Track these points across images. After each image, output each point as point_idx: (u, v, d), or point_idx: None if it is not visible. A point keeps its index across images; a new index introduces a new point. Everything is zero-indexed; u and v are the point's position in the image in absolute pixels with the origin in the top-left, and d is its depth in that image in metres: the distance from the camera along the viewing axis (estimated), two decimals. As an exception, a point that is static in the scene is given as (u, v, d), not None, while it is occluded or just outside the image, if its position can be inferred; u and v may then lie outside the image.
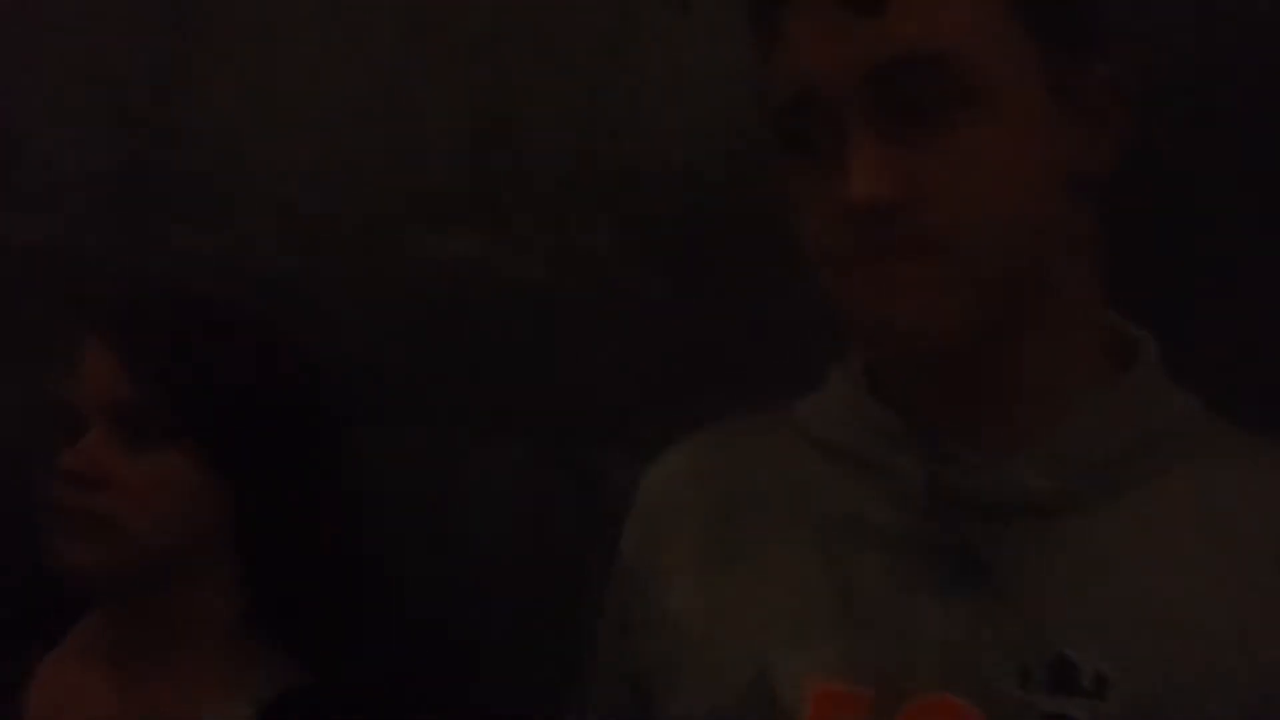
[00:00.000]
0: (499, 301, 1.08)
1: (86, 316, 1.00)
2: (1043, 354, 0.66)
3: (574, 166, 1.06)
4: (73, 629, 1.03)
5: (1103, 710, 0.59)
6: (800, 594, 0.67)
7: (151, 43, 1.27)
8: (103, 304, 1.02)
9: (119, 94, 1.28)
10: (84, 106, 1.30)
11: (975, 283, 0.61)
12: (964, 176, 0.60)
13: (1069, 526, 0.63)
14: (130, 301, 1.02)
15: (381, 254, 1.14)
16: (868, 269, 0.62)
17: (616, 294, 1.03)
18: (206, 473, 0.96)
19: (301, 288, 1.15)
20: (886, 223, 0.60)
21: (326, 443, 1.06)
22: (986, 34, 0.61)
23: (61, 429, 0.95)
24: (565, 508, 1.04)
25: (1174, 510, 0.63)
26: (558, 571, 1.02)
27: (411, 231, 1.12)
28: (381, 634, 1.04)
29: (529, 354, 1.06)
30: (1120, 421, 0.66)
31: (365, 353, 1.12)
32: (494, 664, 1.06)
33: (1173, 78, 0.83)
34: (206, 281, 1.18)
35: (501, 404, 1.08)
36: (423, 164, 1.12)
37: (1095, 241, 0.67)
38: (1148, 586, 0.62)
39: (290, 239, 1.17)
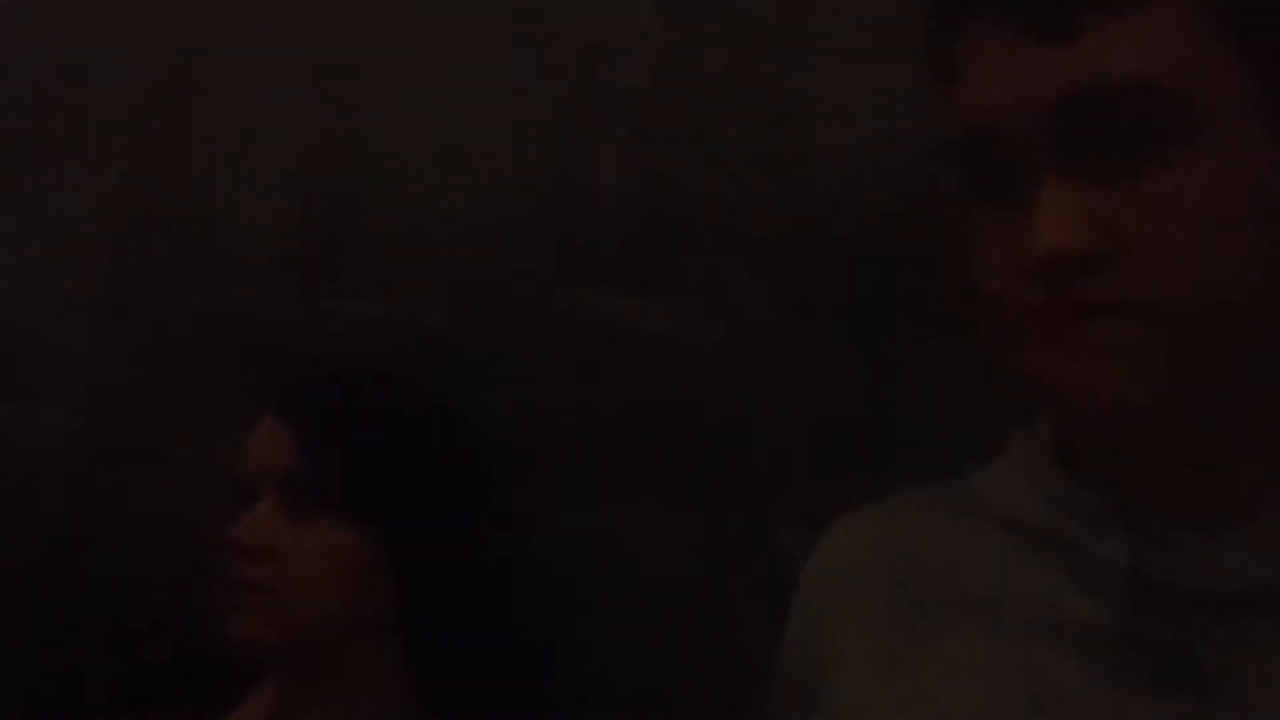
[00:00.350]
0: (664, 364, 1.05)
1: (260, 387, 1.01)
2: (1264, 420, 0.58)
3: (737, 223, 1.02)
4: (247, 694, 1.03)
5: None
6: (986, 691, 0.60)
7: (329, 114, 1.31)
8: (275, 375, 1.03)
9: (298, 161, 1.32)
10: (268, 175, 1.35)
11: (1184, 346, 0.54)
12: (1170, 223, 0.53)
13: None
14: (301, 373, 1.03)
15: (547, 315, 1.12)
16: (1059, 331, 0.55)
17: (784, 356, 0.98)
18: (370, 545, 0.96)
19: (469, 351, 1.15)
20: (1080, 277, 0.54)
21: (492, 516, 1.04)
22: (1195, 57, 0.54)
23: (232, 499, 0.96)
24: (733, 579, 0.99)
25: None
26: (726, 645, 0.97)
27: (580, 293, 1.11)
28: (546, 706, 1.01)
29: (696, 419, 1.03)
30: None
31: (533, 418, 1.11)
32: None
33: None
34: (378, 347, 1.19)
35: (667, 470, 1.04)
36: (585, 223, 1.11)
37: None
38: None
39: (460, 303, 1.17)
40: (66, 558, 1.45)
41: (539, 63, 1.15)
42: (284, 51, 1.34)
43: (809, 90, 1.00)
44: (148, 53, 1.48)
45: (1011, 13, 0.55)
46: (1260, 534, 0.57)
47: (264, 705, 1.01)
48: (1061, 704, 0.58)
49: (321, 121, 1.30)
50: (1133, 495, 0.59)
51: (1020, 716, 0.59)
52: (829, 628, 0.69)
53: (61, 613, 1.42)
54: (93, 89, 1.56)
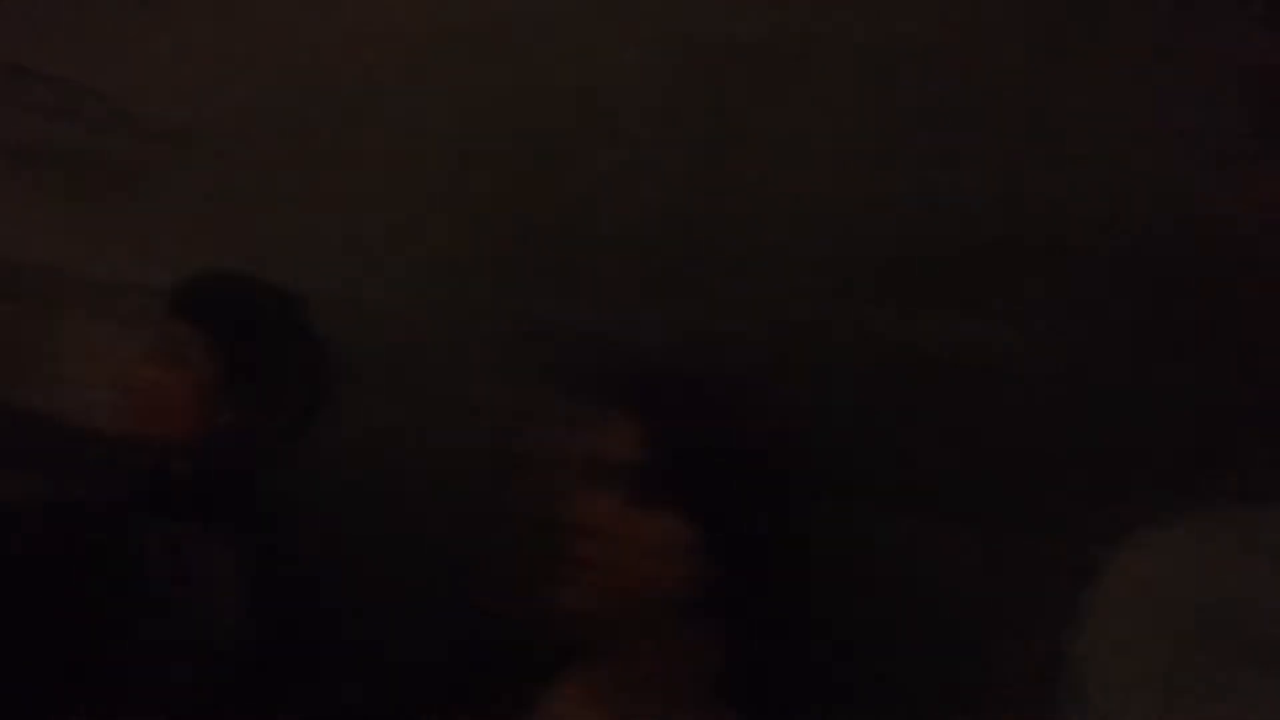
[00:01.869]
0: (968, 383, 1.07)
1: (614, 389, 1.11)
2: None
3: (1005, 237, 1.04)
4: (577, 665, 1.13)
5: None
6: None
7: (690, 147, 1.41)
8: (627, 379, 1.13)
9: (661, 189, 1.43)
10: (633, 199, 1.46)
11: None
12: None
13: None
14: (651, 378, 1.13)
15: (831, 335, 1.17)
16: None
17: (1089, 374, 0.99)
18: (696, 538, 1.03)
19: (795, 367, 1.21)
20: None
21: (802, 522, 1.10)
22: None
23: (580, 485, 1.07)
24: (1015, 598, 1.01)
25: None
26: (1012, 658, 0.99)
27: (891, 313, 1.15)
28: (836, 700, 1.06)
29: (976, 436, 1.05)
30: None
31: (846, 434, 1.16)
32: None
33: None
34: (705, 359, 1.27)
35: (947, 487, 1.07)
36: (891, 248, 1.15)
37: None
38: None
39: (785, 321, 1.24)
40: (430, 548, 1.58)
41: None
42: (654, 93, 1.46)
43: (1063, 96, 1.00)
44: (531, 102, 1.61)
45: None
46: None
47: (595, 672, 1.10)
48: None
49: (682, 154, 1.40)
50: None
51: None
52: (1115, 647, 0.69)
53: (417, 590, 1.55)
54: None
